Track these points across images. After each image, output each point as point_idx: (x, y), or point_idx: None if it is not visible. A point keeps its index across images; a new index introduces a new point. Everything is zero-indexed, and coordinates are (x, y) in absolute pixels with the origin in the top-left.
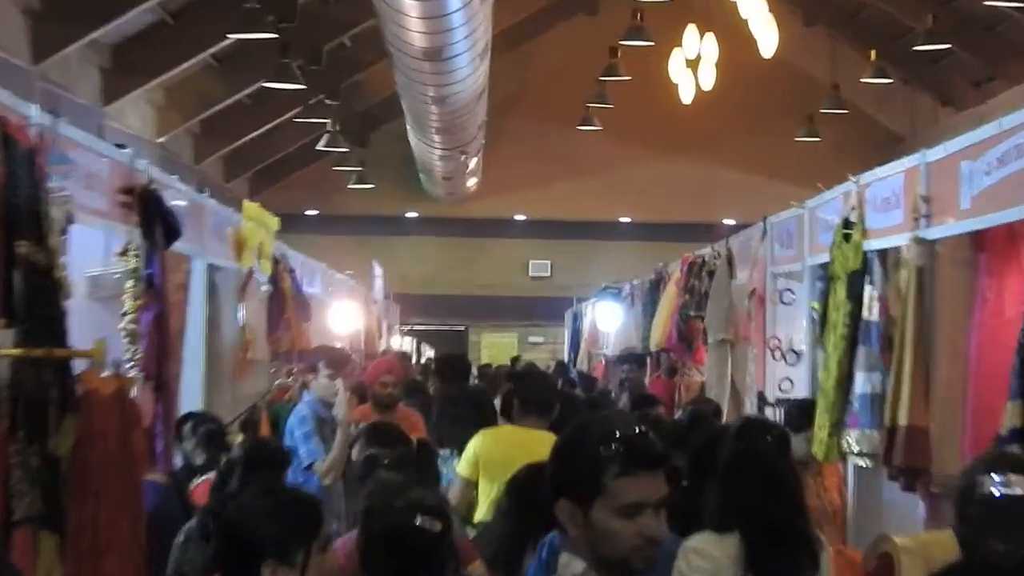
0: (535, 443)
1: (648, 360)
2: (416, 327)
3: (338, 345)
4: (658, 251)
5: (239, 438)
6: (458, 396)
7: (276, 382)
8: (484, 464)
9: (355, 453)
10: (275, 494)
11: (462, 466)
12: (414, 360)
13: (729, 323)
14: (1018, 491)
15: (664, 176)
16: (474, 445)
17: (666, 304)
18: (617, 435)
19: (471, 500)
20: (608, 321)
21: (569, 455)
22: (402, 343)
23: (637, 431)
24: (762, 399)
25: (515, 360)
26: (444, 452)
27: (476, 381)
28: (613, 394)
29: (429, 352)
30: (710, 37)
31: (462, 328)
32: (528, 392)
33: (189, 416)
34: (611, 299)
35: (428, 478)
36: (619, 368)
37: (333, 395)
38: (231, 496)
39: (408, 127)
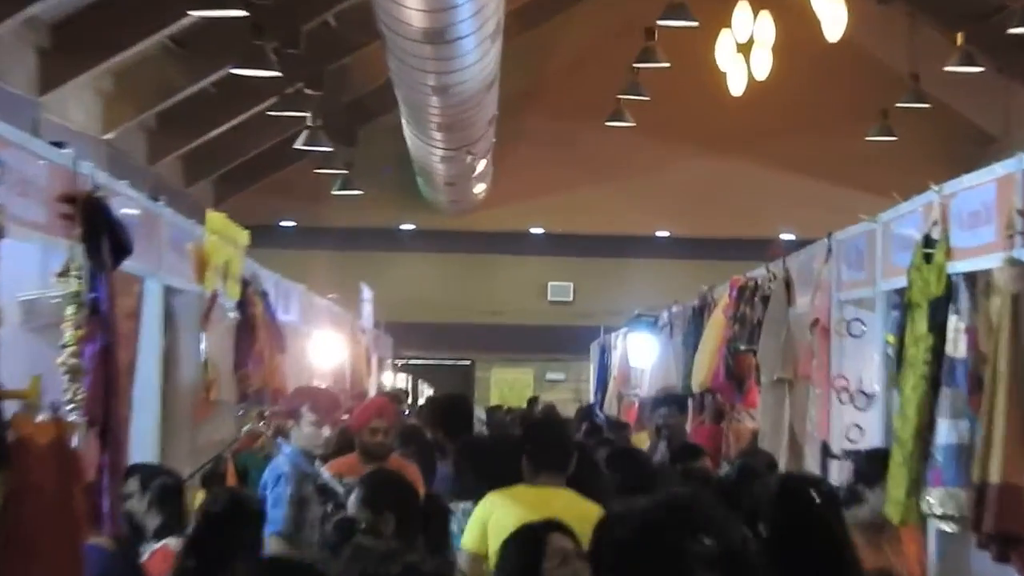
0: (552, 503)
1: (690, 403)
2: (412, 361)
3: (321, 384)
4: (702, 272)
5: (200, 495)
6: (487, 442)
7: (245, 428)
8: (493, 532)
9: (351, 508)
10: (282, 566)
11: (467, 539)
12: (410, 401)
13: (787, 359)
14: None
15: (709, 182)
16: (480, 512)
17: (711, 336)
18: (715, 534)
19: None
20: (642, 355)
21: (642, 538)
22: (395, 380)
23: (742, 536)
24: (826, 450)
25: (532, 401)
26: (465, 504)
27: (484, 428)
28: (649, 443)
29: (428, 391)
30: (765, 16)
31: (467, 362)
32: (538, 444)
33: (137, 468)
34: (645, 329)
35: (439, 541)
36: (655, 412)
37: (318, 446)
38: (217, 561)
39: (404, 122)
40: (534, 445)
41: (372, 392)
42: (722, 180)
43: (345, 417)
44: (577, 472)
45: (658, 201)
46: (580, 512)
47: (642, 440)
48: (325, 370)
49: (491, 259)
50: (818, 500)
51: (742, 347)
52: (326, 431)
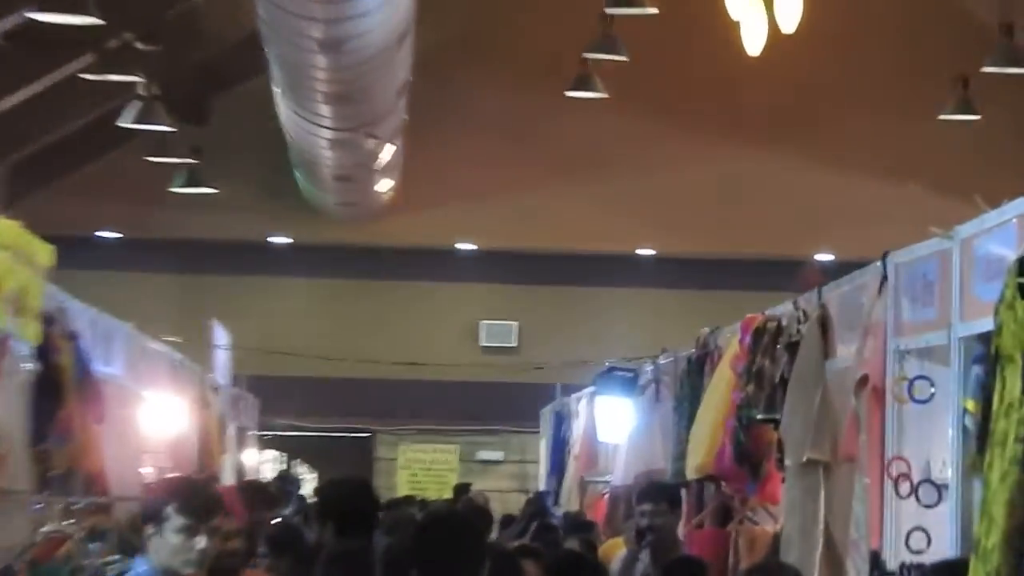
0: None
1: (684, 495)
2: (286, 432)
3: (159, 467)
4: (702, 307)
5: None
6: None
7: (44, 528)
8: None
9: None
10: None
11: None
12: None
13: (822, 434)
14: None
15: (713, 180)
16: None
17: (715, 399)
18: None
19: None
20: (615, 427)
21: None
22: (261, 461)
23: None
24: (877, 563)
25: (461, 491)
26: None
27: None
28: (625, 551)
29: (309, 476)
30: None
31: (365, 435)
32: (432, 553)
33: None
34: (620, 389)
35: None
36: (636, 509)
37: (189, 563)
38: None
39: (276, 92)
40: (427, 553)
41: (229, 478)
42: (731, 177)
43: None
44: None
45: (640, 206)
46: None
47: (615, 547)
48: (161, 446)
49: (400, 288)
50: None
51: (758, 416)
52: (201, 542)
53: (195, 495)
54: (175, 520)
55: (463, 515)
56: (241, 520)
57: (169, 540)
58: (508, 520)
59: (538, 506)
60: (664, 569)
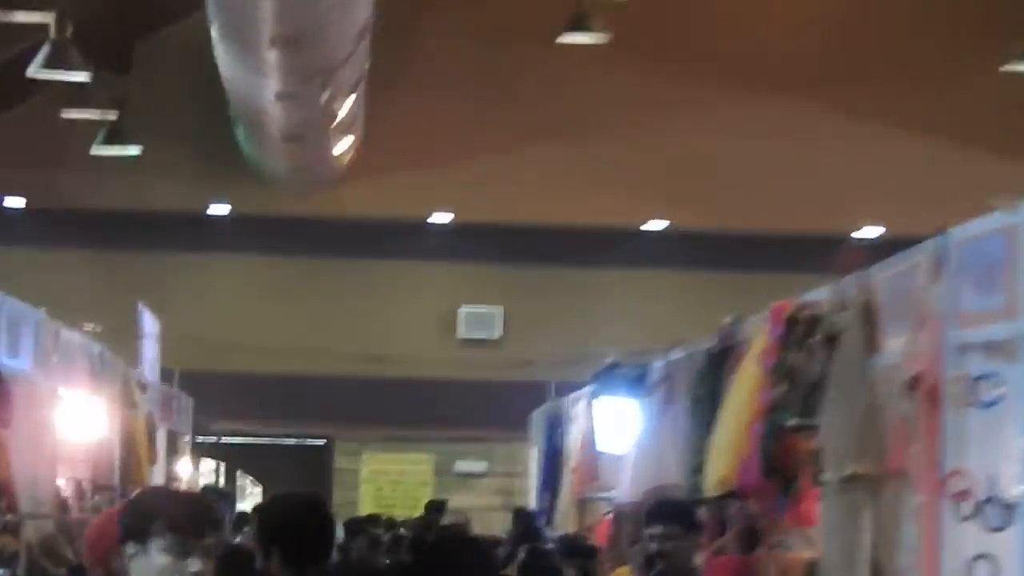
0: None
1: (702, 515)
2: (228, 438)
3: (72, 476)
4: (724, 291)
5: None
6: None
7: None
8: None
9: None
10: None
11: None
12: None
13: (867, 443)
14: None
15: (736, 141)
16: None
17: (739, 401)
18: None
19: None
20: (618, 434)
21: None
22: (198, 470)
23: None
24: None
25: (435, 509)
26: None
27: (339, 554)
28: None
29: (254, 489)
30: None
31: (321, 442)
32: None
33: None
34: (624, 389)
35: None
36: (644, 531)
37: None
38: None
39: (213, 35)
40: None
41: None
42: (757, 138)
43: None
44: None
45: (648, 172)
46: None
47: None
48: (79, 453)
49: (363, 267)
50: None
51: (791, 421)
52: (194, 564)
53: (187, 507)
54: (163, 539)
55: (472, 540)
56: None
57: (155, 561)
58: (493, 543)
59: (528, 527)
60: None
